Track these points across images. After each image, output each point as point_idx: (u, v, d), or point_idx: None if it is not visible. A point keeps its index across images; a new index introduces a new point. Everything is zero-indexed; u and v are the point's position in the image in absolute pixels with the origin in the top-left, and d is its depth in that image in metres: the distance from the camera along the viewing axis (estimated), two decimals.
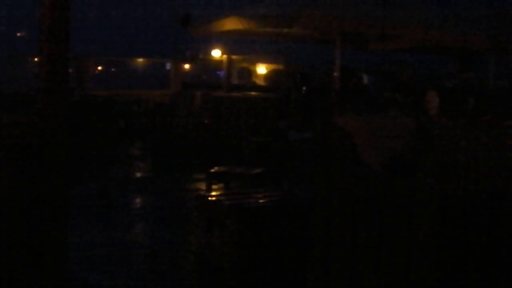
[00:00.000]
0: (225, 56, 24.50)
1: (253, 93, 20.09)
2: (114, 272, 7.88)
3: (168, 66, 26.59)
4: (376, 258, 5.43)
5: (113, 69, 32.72)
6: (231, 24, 18.21)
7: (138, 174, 15.46)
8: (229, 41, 25.12)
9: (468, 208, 5.22)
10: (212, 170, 10.83)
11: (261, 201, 7.61)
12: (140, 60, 31.40)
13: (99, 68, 31.63)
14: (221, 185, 11.07)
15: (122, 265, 8.17)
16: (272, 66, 25.99)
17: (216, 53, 26.55)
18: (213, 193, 9.21)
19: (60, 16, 5.16)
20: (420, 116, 14.06)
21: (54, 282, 5.31)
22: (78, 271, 7.62)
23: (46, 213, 5.24)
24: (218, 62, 25.78)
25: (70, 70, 5.64)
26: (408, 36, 18.57)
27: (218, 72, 28.09)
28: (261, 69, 26.25)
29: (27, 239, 5.20)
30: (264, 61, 26.17)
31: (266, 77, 26.33)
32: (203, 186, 11.74)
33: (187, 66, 28.03)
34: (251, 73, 26.57)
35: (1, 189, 5.11)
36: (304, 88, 20.03)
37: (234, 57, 24.83)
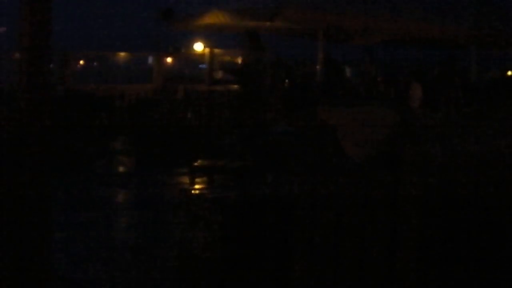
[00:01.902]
0: (207, 50, 24.45)
1: (235, 86, 20.05)
2: (97, 267, 7.86)
3: (151, 60, 26.50)
4: (360, 251, 5.43)
5: (95, 64, 32.57)
6: (212, 18, 18.20)
7: (121, 169, 15.43)
8: (212, 35, 25.09)
9: (450, 200, 5.23)
10: (196, 164, 10.80)
11: (245, 194, 7.59)
12: (122, 54, 31.25)
13: (81, 62, 31.46)
14: (205, 178, 11.05)
15: (105, 260, 8.15)
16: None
17: (198, 47, 26.49)
18: (197, 187, 9.19)
19: (41, 11, 5.12)
20: (403, 108, 14.10)
21: (36, 278, 5.28)
22: (61, 266, 7.59)
23: (28, 210, 5.21)
24: (201, 56, 25.71)
25: (51, 65, 5.61)
26: (390, 29, 18.62)
27: (200, 66, 28.04)
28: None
29: (8, 236, 5.16)
30: None
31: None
32: (186, 180, 11.72)
33: (169, 60, 27.94)
34: (235, 66, 26.51)
35: None
36: (286, 81, 20.03)
37: (216, 50, 24.78)
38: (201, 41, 26.25)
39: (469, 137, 5.70)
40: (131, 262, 8.20)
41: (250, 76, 15.81)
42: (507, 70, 25.62)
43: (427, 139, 5.66)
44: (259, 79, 15.86)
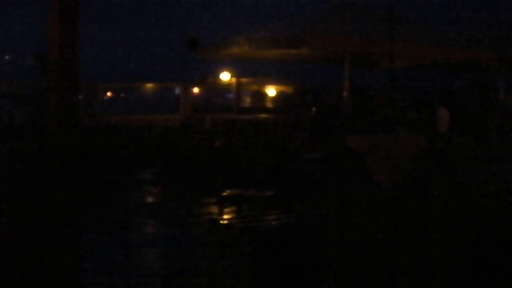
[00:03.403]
0: (234, 79, 24.54)
1: (263, 115, 20.09)
2: None
3: (178, 90, 26.63)
4: (390, 277, 5.40)
5: (122, 95, 32.82)
6: (239, 47, 18.29)
7: (150, 199, 15.46)
8: (238, 64, 25.20)
9: (481, 226, 5.19)
10: (224, 194, 10.81)
11: (273, 223, 7.59)
12: (150, 85, 31.45)
13: (109, 94, 31.69)
14: (233, 208, 11.05)
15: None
16: (281, 88, 26.02)
17: (225, 76, 26.61)
18: (226, 217, 9.19)
19: (69, 44, 5.18)
20: (431, 133, 14.05)
21: None
22: None
23: (57, 240, 5.24)
24: (227, 85, 25.82)
25: (80, 97, 5.67)
26: (416, 54, 18.61)
27: (227, 95, 28.15)
28: (271, 91, 26.29)
29: (36, 266, 5.20)
30: (273, 83, 26.21)
31: (276, 98, 26.35)
32: (215, 209, 11.72)
33: (196, 89, 28.06)
34: (262, 95, 26.63)
35: (13, 214, 5.12)
36: (313, 109, 20.06)
37: (243, 79, 24.86)
38: (227, 71, 26.36)
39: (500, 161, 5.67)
40: None
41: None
42: None
43: (456, 164, 5.63)
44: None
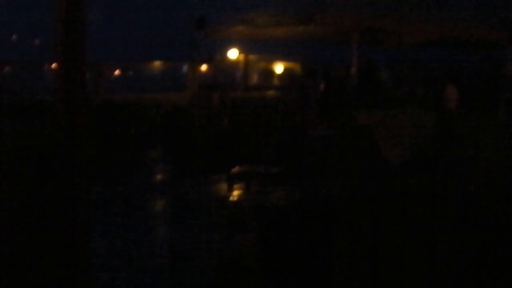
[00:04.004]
0: (241, 57, 24.47)
1: (270, 92, 20.04)
2: (138, 272, 7.90)
3: (185, 68, 26.55)
4: (400, 256, 5.40)
5: (130, 73, 32.77)
6: (247, 25, 18.21)
7: (158, 177, 15.48)
8: (246, 41, 25.09)
9: (490, 204, 5.18)
10: (233, 171, 10.82)
11: (282, 200, 7.59)
12: (157, 63, 31.36)
13: (116, 72, 31.66)
14: (242, 185, 11.05)
15: (146, 265, 8.19)
16: (289, 65, 25.95)
17: (233, 54, 26.51)
18: (234, 193, 9.20)
19: (75, 27, 5.15)
20: (440, 110, 14.00)
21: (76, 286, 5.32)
22: (102, 270, 7.63)
23: (68, 219, 5.24)
24: (235, 63, 25.75)
25: (87, 76, 5.65)
26: (424, 30, 18.53)
27: (235, 73, 28.09)
28: (279, 68, 26.24)
29: (48, 246, 5.20)
30: (281, 60, 26.15)
31: (284, 76, 26.31)
32: (224, 186, 11.73)
33: (203, 67, 27.96)
34: (270, 73, 26.59)
35: (22, 195, 5.13)
36: (322, 85, 20.00)
37: (251, 57, 24.79)
38: (235, 48, 26.27)
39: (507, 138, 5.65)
40: (172, 269, 8.23)
41: None
42: None
43: (466, 141, 5.61)
44: None
